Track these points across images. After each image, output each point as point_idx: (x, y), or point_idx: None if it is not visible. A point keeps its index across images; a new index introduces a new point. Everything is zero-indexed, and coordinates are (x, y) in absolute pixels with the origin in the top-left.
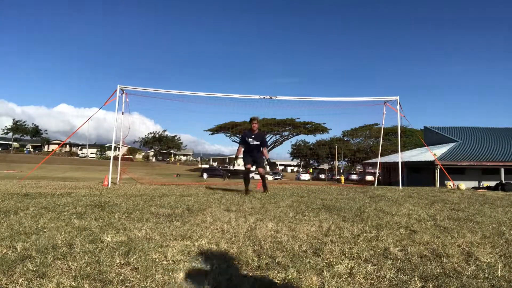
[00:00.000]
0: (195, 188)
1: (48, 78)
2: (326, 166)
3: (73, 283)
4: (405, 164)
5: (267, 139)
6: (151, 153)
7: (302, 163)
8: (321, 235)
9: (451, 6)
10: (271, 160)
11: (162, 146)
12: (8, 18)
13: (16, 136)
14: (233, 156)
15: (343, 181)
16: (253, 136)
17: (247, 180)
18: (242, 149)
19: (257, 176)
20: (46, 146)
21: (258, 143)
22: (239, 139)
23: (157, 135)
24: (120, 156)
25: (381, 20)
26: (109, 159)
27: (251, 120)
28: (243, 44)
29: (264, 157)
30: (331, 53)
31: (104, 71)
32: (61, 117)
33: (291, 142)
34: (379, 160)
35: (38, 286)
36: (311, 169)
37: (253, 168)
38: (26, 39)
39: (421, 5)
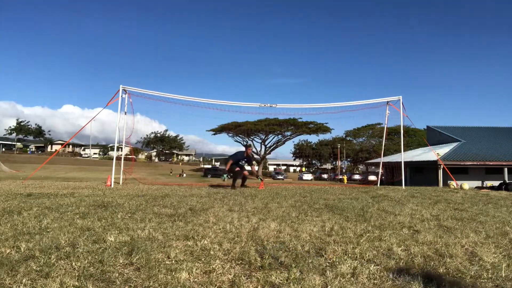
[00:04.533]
0: (197, 188)
1: (52, 79)
2: (328, 166)
3: (76, 283)
4: (408, 164)
5: (269, 139)
6: (154, 153)
7: (305, 163)
8: (324, 235)
9: (453, 5)
10: (255, 171)
11: (165, 146)
12: (10, 19)
13: (20, 136)
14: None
15: (345, 181)
16: (245, 160)
17: (235, 179)
18: (231, 164)
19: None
20: (49, 147)
21: (246, 164)
22: (232, 156)
23: (159, 135)
24: (123, 157)
25: (384, 20)
26: (112, 159)
27: (247, 147)
28: (245, 45)
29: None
30: (333, 53)
31: (108, 73)
32: (67, 119)
33: (293, 142)
34: (381, 160)
35: (42, 286)
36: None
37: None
38: (28, 40)
39: (424, 5)
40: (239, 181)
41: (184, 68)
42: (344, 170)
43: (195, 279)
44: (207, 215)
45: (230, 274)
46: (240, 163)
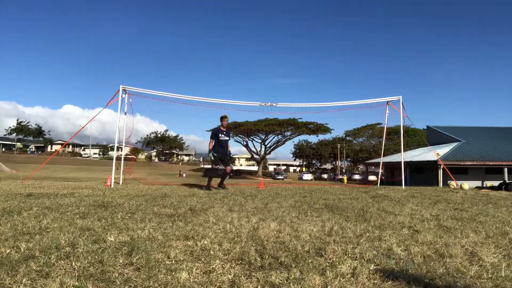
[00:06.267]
0: (197, 188)
1: (53, 79)
2: (328, 166)
3: (76, 283)
4: (408, 164)
5: (269, 139)
6: (154, 153)
7: (305, 163)
8: (324, 235)
9: (453, 5)
10: (231, 155)
11: (165, 146)
12: (10, 18)
13: (20, 136)
14: (235, 156)
15: (345, 181)
16: (224, 133)
17: (211, 178)
18: (213, 143)
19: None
20: (49, 147)
21: (227, 138)
22: (211, 135)
23: (159, 135)
24: (123, 157)
25: (384, 19)
26: (112, 159)
27: (222, 118)
28: (245, 45)
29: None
30: (333, 53)
31: (108, 73)
32: (68, 119)
33: (293, 142)
34: (381, 160)
35: (42, 286)
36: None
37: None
38: (28, 40)
39: (424, 4)
40: (216, 180)
41: (185, 68)
42: (344, 170)
43: (195, 279)
44: (207, 215)
45: (230, 274)
46: (220, 137)
